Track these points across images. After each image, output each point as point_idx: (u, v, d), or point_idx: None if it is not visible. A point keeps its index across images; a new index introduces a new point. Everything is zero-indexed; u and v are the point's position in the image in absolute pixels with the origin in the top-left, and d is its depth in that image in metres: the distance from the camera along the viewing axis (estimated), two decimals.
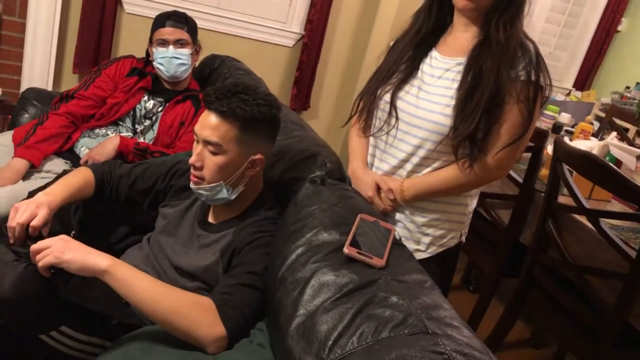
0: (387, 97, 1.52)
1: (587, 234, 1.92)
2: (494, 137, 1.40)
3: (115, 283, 1.15)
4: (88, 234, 1.56)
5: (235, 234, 1.38)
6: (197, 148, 1.34)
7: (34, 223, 1.27)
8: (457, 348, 0.88)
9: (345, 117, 1.71)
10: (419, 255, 1.55)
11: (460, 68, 1.42)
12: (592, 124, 3.26)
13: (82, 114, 2.08)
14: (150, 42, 2.13)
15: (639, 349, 1.83)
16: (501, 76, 1.35)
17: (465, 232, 1.64)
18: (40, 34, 2.73)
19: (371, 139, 1.61)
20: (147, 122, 2.14)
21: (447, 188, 1.49)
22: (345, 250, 1.14)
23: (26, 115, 2.28)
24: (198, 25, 2.19)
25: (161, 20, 2.09)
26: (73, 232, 1.55)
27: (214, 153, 1.31)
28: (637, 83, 4.07)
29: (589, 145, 2.45)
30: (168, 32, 2.07)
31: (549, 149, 2.22)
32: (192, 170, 1.36)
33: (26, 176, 1.89)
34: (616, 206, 2.22)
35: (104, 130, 2.11)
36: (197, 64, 2.33)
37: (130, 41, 2.98)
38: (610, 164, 1.77)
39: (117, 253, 1.50)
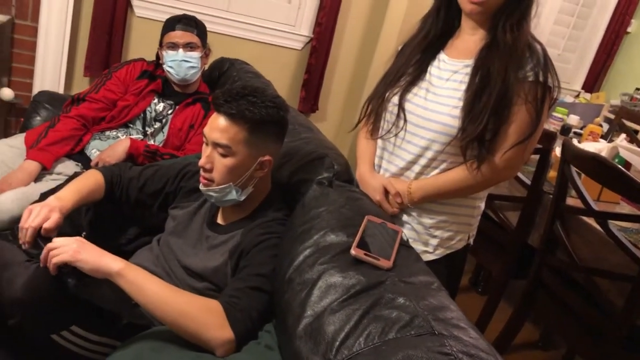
0: (396, 99, 1.52)
1: (596, 236, 1.91)
2: (502, 138, 1.40)
3: (126, 285, 1.17)
4: (98, 235, 1.58)
5: (243, 235, 1.39)
6: (206, 150, 1.36)
7: (46, 226, 1.29)
8: (463, 349, 0.88)
9: (353, 120, 1.71)
10: (427, 257, 1.55)
11: (468, 70, 1.43)
12: (601, 125, 3.25)
13: (93, 116, 2.10)
14: (161, 45, 2.14)
15: None
16: (509, 77, 1.36)
17: (473, 234, 1.64)
18: (52, 38, 2.76)
19: (379, 141, 1.61)
20: (157, 125, 2.16)
21: (455, 189, 1.49)
22: (353, 251, 1.14)
23: (38, 118, 2.30)
24: (207, 29, 2.21)
25: (171, 24, 2.11)
26: (84, 233, 1.57)
27: (223, 155, 1.33)
28: None
29: (598, 147, 2.44)
30: (178, 35, 2.09)
31: (557, 151, 2.21)
32: (201, 172, 1.37)
33: (38, 178, 1.91)
34: (625, 208, 2.21)
35: (114, 133, 2.13)
36: (206, 67, 2.35)
37: (140, 44, 3.01)
38: (619, 166, 1.76)
39: (127, 254, 1.52)
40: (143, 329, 1.29)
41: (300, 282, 1.17)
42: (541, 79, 1.37)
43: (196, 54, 2.12)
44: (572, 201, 2.05)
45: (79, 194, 1.45)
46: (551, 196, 2.08)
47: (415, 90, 1.51)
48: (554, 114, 3.19)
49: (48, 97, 2.38)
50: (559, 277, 2.05)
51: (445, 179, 1.49)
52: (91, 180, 1.53)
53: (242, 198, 1.40)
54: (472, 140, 1.39)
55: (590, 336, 1.91)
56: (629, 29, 4.37)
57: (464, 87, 1.42)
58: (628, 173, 1.71)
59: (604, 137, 3.25)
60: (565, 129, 3.15)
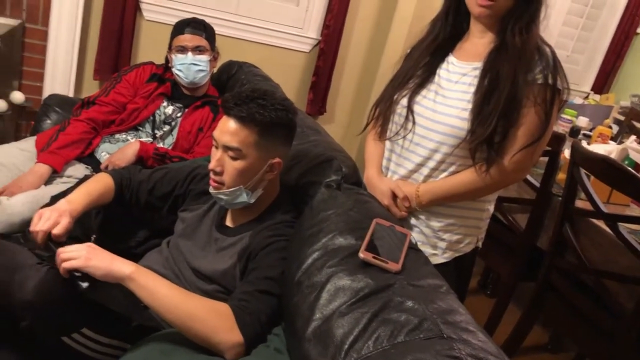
0: (404, 101, 1.53)
1: (605, 238, 1.90)
2: (511, 140, 1.40)
3: (137, 289, 1.18)
4: (108, 238, 1.60)
5: (251, 237, 1.39)
6: (216, 153, 1.36)
7: (55, 231, 1.30)
8: (472, 352, 0.88)
9: (361, 122, 1.72)
10: (435, 260, 1.55)
11: (477, 73, 1.43)
12: (610, 127, 3.23)
13: (103, 119, 2.12)
14: (170, 48, 2.16)
15: None
16: (518, 80, 1.36)
17: (482, 237, 1.63)
18: (62, 42, 2.78)
19: (387, 143, 1.61)
20: (167, 128, 2.17)
21: (463, 192, 1.49)
22: (361, 254, 1.15)
23: (48, 121, 2.32)
24: (216, 32, 2.22)
25: (180, 27, 2.12)
26: (94, 236, 1.58)
27: (233, 158, 1.34)
28: None
29: (608, 149, 2.43)
30: (187, 39, 2.10)
31: (566, 153, 2.21)
32: (211, 176, 1.38)
33: (48, 181, 1.92)
34: (635, 211, 2.20)
35: (124, 136, 2.14)
36: (215, 70, 2.36)
37: (149, 48, 3.02)
38: (629, 168, 1.75)
39: (136, 257, 1.53)
40: (153, 332, 1.30)
41: (309, 285, 1.17)
42: (550, 81, 1.37)
43: (205, 57, 2.13)
44: (581, 203, 2.05)
45: (89, 197, 1.46)
46: (560, 198, 2.08)
47: (424, 92, 1.51)
48: (563, 115, 3.17)
49: (58, 100, 2.39)
50: (568, 280, 2.04)
51: (454, 182, 1.49)
52: (101, 184, 1.54)
53: (252, 200, 1.41)
54: (481, 143, 1.39)
55: (600, 339, 1.90)
56: (638, 30, 4.33)
57: (472, 89, 1.42)
58: (638, 175, 1.70)
59: (614, 138, 3.24)
60: (574, 131, 3.14)
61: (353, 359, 0.95)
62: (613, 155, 2.30)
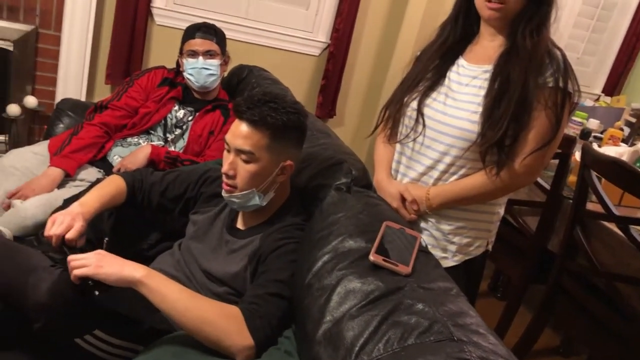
0: (414, 104, 1.53)
1: (617, 241, 1.89)
2: (521, 143, 1.40)
3: (148, 293, 1.19)
4: (121, 241, 1.61)
5: (262, 240, 1.40)
6: (228, 157, 1.37)
7: (69, 236, 1.32)
8: (482, 355, 0.88)
9: (370, 125, 1.72)
10: (445, 263, 1.54)
11: (487, 75, 1.43)
12: (622, 129, 3.21)
13: (115, 124, 2.14)
14: (181, 53, 2.17)
15: None
16: (528, 83, 1.36)
17: (492, 240, 1.63)
18: (74, 47, 2.81)
19: (397, 146, 1.61)
20: (178, 131, 2.18)
21: (474, 195, 1.49)
22: (371, 257, 1.15)
23: (61, 126, 2.33)
24: (227, 36, 2.23)
25: (191, 32, 2.14)
26: (106, 239, 1.59)
27: (246, 161, 1.34)
28: None
29: (619, 151, 2.42)
30: (198, 43, 2.12)
31: (577, 155, 2.20)
32: (224, 179, 1.39)
33: (61, 184, 1.94)
34: None
35: (135, 139, 2.16)
36: (225, 74, 2.37)
37: (160, 52, 3.05)
38: None
39: (148, 259, 1.55)
40: (165, 334, 1.31)
41: (319, 288, 1.17)
42: (561, 84, 1.36)
43: (216, 62, 2.14)
44: (592, 206, 2.04)
45: (101, 199, 1.48)
46: (571, 201, 2.07)
47: (434, 95, 1.51)
48: (574, 118, 3.16)
49: (70, 104, 2.41)
50: (580, 283, 2.03)
51: (464, 185, 1.48)
52: (113, 186, 1.55)
53: (264, 203, 1.42)
54: (492, 146, 1.39)
55: (612, 342, 1.89)
56: None
57: (483, 92, 1.42)
58: None
59: (625, 141, 3.21)
60: (585, 133, 3.12)
61: None
62: (624, 158, 2.29)
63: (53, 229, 1.32)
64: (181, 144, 2.18)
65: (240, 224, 1.49)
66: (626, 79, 4.43)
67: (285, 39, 3.29)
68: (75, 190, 1.86)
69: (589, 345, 2.08)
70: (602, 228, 1.96)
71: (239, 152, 1.34)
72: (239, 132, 1.34)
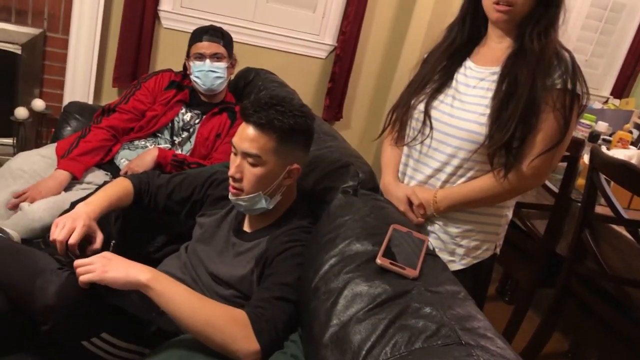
0: (421, 106, 1.52)
1: (626, 244, 1.88)
2: (529, 146, 1.39)
3: (154, 296, 1.19)
4: (128, 244, 1.61)
5: (269, 243, 1.40)
6: (235, 160, 1.37)
7: (71, 241, 1.32)
8: (490, 359, 0.87)
9: (377, 127, 1.72)
10: (453, 267, 1.54)
11: (495, 77, 1.42)
12: (631, 132, 3.19)
13: (123, 127, 2.14)
14: (188, 56, 2.18)
15: None
16: (536, 85, 1.35)
17: (500, 243, 1.62)
18: (81, 50, 2.82)
19: (405, 149, 1.61)
20: (185, 134, 2.19)
21: (481, 198, 1.48)
22: (378, 260, 1.15)
23: (68, 128, 2.34)
24: (234, 39, 2.24)
25: (198, 35, 2.15)
26: (113, 241, 1.59)
27: (253, 165, 1.34)
28: None
29: (628, 154, 2.41)
30: (205, 46, 2.12)
31: (586, 158, 2.18)
32: (231, 182, 1.39)
33: (68, 187, 1.94)
34: None
35: (143, 142, 2.17)
36: (232, 77, 2.38)
37: (167, 55, 3.06)
38: None
39: (155, 262, 1.55)
40: (171, 336, 1.31)
41: (326, 291, 1.17)
42: (569, 86, 1.36)
43: (223, 65, 2.15)
44: (600, 209, 2.02)
45: (107, 199, 1.48)
46: (579, 204, 2.06)
47: (441, 97, 1.51)
48: (582, 120, 3.14)
49: (78, 107, 2.42)
50: (588, 286, 2.02)
51: (472, 188, 1.48)
52: (120, 187, 1.56)
53: (271, 206, 1.42)
54: (500, 148, 1.38)
55: (622, 347, 1.87)
56: None
57: (490, 94, 1.41)
58: None
59: (634, 143, 3.19)
60: (594, 136, 3.10)
61: None
62: (633, 161, 2.27)
63: (55, 234, 1.33)
64: (188, 146, 2.18)
65: (246, 227, 1.49)
66: (635, 81, 4.41)
67: (292, 42, 3.29)
68: (83, 193, 1.86)
69: (598, 349, 2.07)
70: (611, 231, 1.95)
71: (245, 155, 1.34)
72: (246, 136, 1.34)
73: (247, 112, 1.33)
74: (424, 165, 1.55)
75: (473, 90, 1.46)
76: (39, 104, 2.77)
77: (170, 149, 2.15)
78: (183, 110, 2.19)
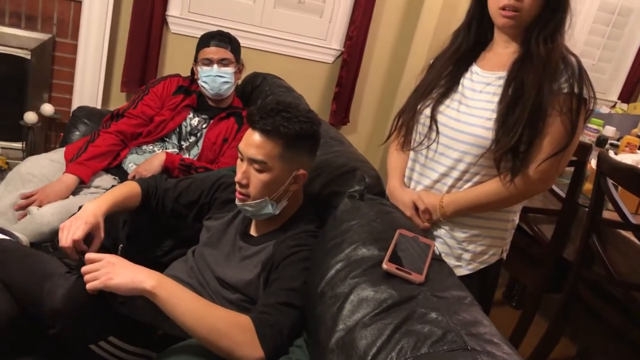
0: (428, 111, 1.52)
1: (634, 249, 1.87)
2: (536, 150, 1.39)
3: (159, 303, 1.19)
4: (135, 248, 1.62)
5: (275, 247, 1.40)
6: (242, 166, 1.38)
7: (73, 237, 1.33)
8: None
9: (384, 132, 1.72)
10: (459, 272, 1.53)
11: (501, 82, 1.42)
12: (638, 136, 3.17)
13: (131, 132, 2.16)
14: (195, 61, 2.19)
15: None
16: (543, 89, 1.35)
17: (506, 248, 1.62)
18: (90, 55, 2.84)
19: (411, 154, 1.61)
20: (192, 139, 2.20)
21: (488, 203, 1.48)
22: (384, 265, 1.14)
23: (77, 133, 2.36)
24: (241, 44, 2.25)
25: (206, 40, 2.16)
26: (121, 245, 1.60)
27: (259, 170, 1.35)
28: None
29: (636, 159, 2.39)
30: (212, 51, 2.13)
31: (593, 163, 2.18)
32: (237, 188, 1.39)
33: (75, 191, 1.96)
34: None
35: (150, 147, 2.18)
36: (240, 81, 2.39)
37: (175, 60, 3.08)
38: None
39: (163, 266, 1.55)
40: (178, 340, 1.31)
41: (332, 296, 1.17)
42: (576, 90, 1.35)
43: (230, 70, 2.16)
44: (608, 214, 2.02)
45: (114, 198, 1.49)
46: (586, 209, 2.05)
47: (447, 102, 1.51)
48: (589, 125, 3.13)
49: (86, 112, 2.44)
50: (596, 292, 2.01)
51: (478, 192, 1.48)
52: (127, 188, 1.57)
53: (277, 212, 1.42)
54: (506, 153, 1.38)
55: (630, 353, 1.86)
56: None
57: (497, 99, 1.41)
58: None
59: None
60: (601, 141, 3.09)
61: None
62: None
63: (63, 240, 1.34)
64: (195, 151, 2.19)
65: (253, 231, 1.50)
66: None
67: (299, 47, 3.31)
68: (91, 197, 1.88)
69: (606, 354, 2.05)
70: (618, 236, 1.94)
71: (252, 161, 1.35)
72: (252, 142, 1.34)
73: (253, 119, 1.34)
74: (430, 170, 1.55)
75: (479, 95, 1.46)
76: (48, 108, 2.79)
77: (177, 153, 2.16)
78: (191, 115, 2.20)
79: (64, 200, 1.89)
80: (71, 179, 1.94)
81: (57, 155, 2.08)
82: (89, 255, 1.25)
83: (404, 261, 1.16)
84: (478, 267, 1.56)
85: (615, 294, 1.94)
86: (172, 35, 3.05)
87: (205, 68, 2.14)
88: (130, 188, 1.58)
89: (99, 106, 2.91)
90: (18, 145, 2.86)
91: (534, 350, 2.27)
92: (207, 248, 1.52)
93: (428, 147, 1.53)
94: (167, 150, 2.15)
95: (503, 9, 1.38)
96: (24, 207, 1.86)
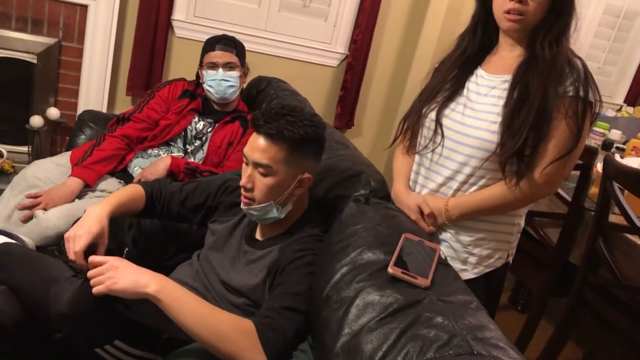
0: (433, 115, 1.52)
1: None
2: (541, 153, 1.39)
3: (163, 306, 1.19)
4: (141, 251, 1.63)
5: (281, 251, 1.40)
6: (247, 170, 1.38)
7: (75, 249, 1.33)
8: None
9: (389, 135, 1.72)
10: (465, 276, 1.53)
11: (506, 85, 1.42)
12: None
13: (137, 136, 2.16)
14: (201, 65, 2.20)
15: None
16: (548, 92, 1.35)
17: (512, 252, 1.61)
18: (96, 59, 2.86)
19: (416, 157, 1.61)
20: (198, 143, 2.20)
21: (493, 206, 1.48)
22: (390, 270, 1.14)
23: (82, 137, 2.37)
24: (246, 48, 2.26)
25: (211, 44, 2.16)
26: (126, 249, 1.61)
27: (264, 174, 1.35)
28: None
29: None
30: (218, 55, 2.14)
31: (599, 166, 2.17)
32: (242, 192, 1.39)
33: (81, 195, 1.96)
34: None
35: (156, 151, 2.19)
36: (245, 85, 2.39)
37: (180, 64, 3.08)
38: None
39: (168, 269, 1.55)
40: (183, 344, 1.31)
41: (338, 300, 1.17)
42: (582, 93, 1.35)
43: (235, 73, 2.16)
44: (614, 218, 2.01)
45: (118, 200, 1.49)
46: (592, 213, 2.04)
47: (452, 105, 1.51)
48: (595, 128, 3.11)
49: (92, 116, 2.45)
50: (603, 296, 2.00)
51: (484, 196, 1.47)
52: (131, 190, 1.57)
53: (283, 215, 1.42)
54: (511, 156, 1.38)
55: (637, 356, 1.85)
56: None
57: (502, 102, 1.41)
58: None
59: None
60: (607, 144, 3.08)
61: None
62: None
63: (70, 254, 1.33)
64: (200, 155, 2.20)
65: (258, 235, 1.50)
66: None
67: (304, 51, 3.31)
68: (96, 201, 1.87)
69: (613, 359, 2.04)
70: (625, 240, 1.93)
71: (256, 165, 1.35)
72: (257, 146, 1.34)
73: (258, 123, 1.34)
74: (435, 174, 1.55)
75: (484, 99, 1.46)
76: (53, 112, 2.80)
77: (183, 157, 2.17)
78: (196, 119, 2.21)
79: (70, 203, 1.90)
80: (76, 183, 1.95)
81: (63, 159, 2.09)
82: (92, 258, 1.25)
83: (409, 265, 1.16)
84: (484, 270, 1.55)
85: (621, 298, 1.93)
86: (178, 40, 3.06)
87: (211, 72, 2.14)
88: (134, 190, 1.58)
89: (104, 110, 2.92)
90: (24, 149, 2.87)
91: (540, 354, 2.26)
92: (212, 252, 1.52)
93: (433, 150, 1.53)
94: (173, 154, 2.15)
95: (508, 12, 1.38)
96: (27, 208, 1.86)
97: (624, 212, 1.86)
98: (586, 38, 3.98)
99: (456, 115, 1.49)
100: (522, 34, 1.42)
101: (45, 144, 2.88)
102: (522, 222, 1.61)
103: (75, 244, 1.33)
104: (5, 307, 1.26)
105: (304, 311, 1.27)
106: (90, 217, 1.39)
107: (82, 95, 2.91)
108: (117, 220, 1.55)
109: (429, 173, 1.57)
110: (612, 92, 4.36)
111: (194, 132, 2.20)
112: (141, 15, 2.85)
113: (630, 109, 4.14)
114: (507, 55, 1.47)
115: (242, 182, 1.38)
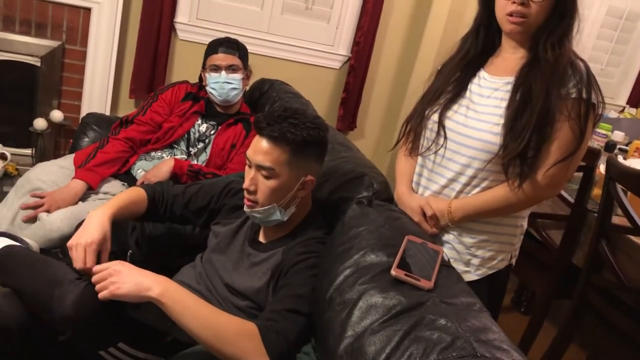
0: (435, 117, 1.52)
1: None
2: (544, 155, 1.38)
3: (166, 309, 1.20)
4: (144, 254, 1.63)
5: (284, 254, 1.40)
6: (249, 173, 1.38)
7: (88, 265, 1.32)
8: None
9: (392, 137, 1.72)
10: (468, 277, 1.53)
11: (509, 87, 1.42)
12: None
13: (140, 138, 2.17)
14: (204, 67, 2.20)
15: None
16: (551, 94, 1.35)
17: (515, 254, 1.61)
18: (99, 62, 2.87)
19: (419, 159, 1.61)
20: (201, 145, 2.21)
21: (496, 208, 1.47)
22: (393, 272, 1.14)
23: (86, 139, 2.37)
24: (249, 50, 2.26)
25: (214, 47, 2.17)
26: (130, 252, 1.61)
27: (267, 177, 1.35)
28: None
29: None
30: (221, 58, 2.15)
31: (602, 168, 2.17)
32: (245, 194, 1.39)
33: (84, 197, 1.97)
34: None
35: (159, 153, 2.19)
36: (247, 88, 2.40)
37: (183, 67, 3.09)
38: None
39: (171, 271, 1.55)
40: (187, 346, 1.31)
41: (341, 302, 1.17)
42: (584, 95, 1.35)
43: (238, 76, 2.17)
44: (617, 220, 2.00)
45: (120, 203, 1.49)
46: (596, 214, 2.04)
47: (455, 107, 1.51)
48: (598, 130, 3.11)
49: (95, 118, 2.45)
50: (606, 297, 2.00)
51: (486, 198, 1.47)
52: (132, 192, 1.58)
53: (286, 218, 1.42)
54: (514, 158, 1.38)
55: None
56: None
57: (504, 104, 1.41)
58: None
59: None
60: (610, 146, 3.07)
61: None
62: None
63: (76, 265, 1.32)
64: (204, 157, 2.20)
65: (262, 237, 1.50)
66: None
67: (307, 53, 3.31)
68: (100, 204, 1.88)
69: None
70: (628, 242, 1.93)
71: (259, 167, 1.35)
72: (260, 148, 1.34)
73: (261, 125, 1.34)
74: (438, 176, 1.55)
75: (487, 100, 1.46)
76: (57, 115, 2.81)
77: (186, 159, 2.17)
78: (199, 122, 2.21)
79: (73, 206, 1.90)
80: (79, 185, 1.95)
81: (67, 162, 2.09)
82: (95, 268, 1.26)
83: (412, 267, 1.16)
84: (487, 272, 1.55)
85: (624, 299, 1.93)
86: (180, 42, 3.07)
87: (214, 74, 2.15)
88: (136, 193, 1.58)
89: (107, 113, 2.93)
90: (27, 151, 2.88)
91: (543, 356, 2.26)
92: (216, 254, 1.52)
93: (436, 152, 1.53)
94: (176, 157, 2.16)
95: (510, 15, 1.38)
96: (31, 208, 1.86)
97: (627, 214, 1.85)
98: (589, 40, 3.98)
99: (459, 117, 1.49)
100: (525, 36, 1.42)
101: (49, 147, 2.89)
102: (525, 224, 1.61)
103: (79, 255, 1.32)
104: (9, 310, 1.26)
105: (307, 313, 1.27)
106: (92, 222, 1.39)
107: (85, 98, 2.92)
108: (121, 223, 1.56)
109: (431, 175, 1.57)
110: (615, 93, 4.36)
111: (197, 135, 2.20)
112: (144, 18, 2.86)
113: (633, 110, 4.14)
114: (510, 57, 1.47)
115: (245, 184, 1.38)
